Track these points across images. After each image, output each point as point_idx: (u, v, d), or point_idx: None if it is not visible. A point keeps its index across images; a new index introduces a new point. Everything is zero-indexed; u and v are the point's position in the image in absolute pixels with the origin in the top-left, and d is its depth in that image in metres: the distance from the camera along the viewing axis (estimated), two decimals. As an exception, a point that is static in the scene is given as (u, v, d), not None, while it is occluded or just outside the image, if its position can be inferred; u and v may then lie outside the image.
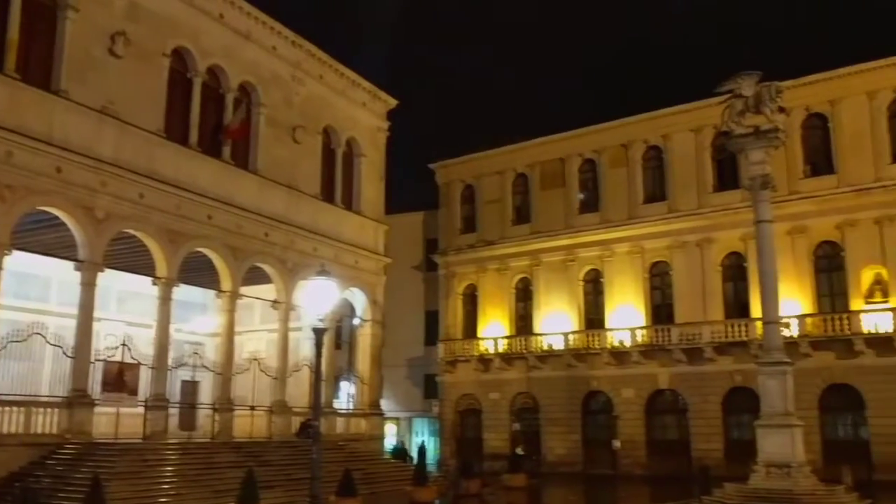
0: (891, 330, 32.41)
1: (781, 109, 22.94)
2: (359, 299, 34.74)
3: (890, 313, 32.77)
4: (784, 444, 20.49)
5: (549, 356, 40.83)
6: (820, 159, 36.07)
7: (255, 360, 29.65)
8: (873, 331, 32.83)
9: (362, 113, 35.80)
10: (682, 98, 38.16)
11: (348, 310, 34.95)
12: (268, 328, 31.86)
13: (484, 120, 73.24)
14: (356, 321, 35.03)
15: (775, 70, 23.63)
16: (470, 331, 44.53)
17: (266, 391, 29.80)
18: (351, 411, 34.77)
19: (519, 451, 34.96)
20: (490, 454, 40.29)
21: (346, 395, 38.23)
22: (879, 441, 32.49)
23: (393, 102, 37.21)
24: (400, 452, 38.23)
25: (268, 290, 30.34)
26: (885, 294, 33.30)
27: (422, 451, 26.76)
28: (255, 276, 29.65)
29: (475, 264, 44.68)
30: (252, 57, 29.85)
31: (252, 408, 28.55)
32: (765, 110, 22.14)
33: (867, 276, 33.87)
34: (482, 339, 43.44)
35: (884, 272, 33.52)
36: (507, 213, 44.49)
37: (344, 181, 34.46)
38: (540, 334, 41.56)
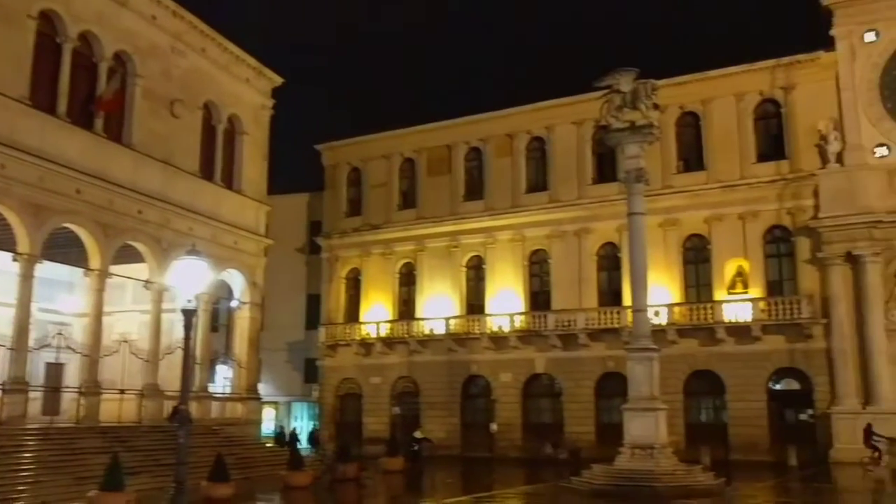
0: (750, 319, 34.44)
1: (656, 106, 23.99)
2: (237, 281, 33.93)
3: (749, 304, 34.81)
4: (648, 426, 21.55)
5: (430, 341, 41.19)
6: (692, 156, 37.79)
7: (126, 341, 28.45)
8: (734, 320, 34.78)
9: (246, 90, 34.86)
10: (566, 91, 39.07)
11: (226, 292, 34.09)
12: (140, 309, 30.69)
13: (374, 104, 72.86)
14: (234, 303, 34.21)
15: (653, 68, 24.62)
16: (352, 315, 44.33)
17: (137, 374, 28.73)
18: (227, 395, 33.98)
19: (418, 434, 35.09)
20: (370, 438, 40.35)
21: (222, 379, 37.31)
22: (736, 423, 34.57)
23: (279, 80, 36.41)
24: (291, 437, 37.74)
25: (141, 270, 29.17)
26: (746, 286, 35.33)
27: (294, 435, 26.46)
28: (128, 255, 28.45)
29: (359, 248, 44.47)
30: (129, 25, 28.49)
31: (121, 391, 27.44)
32: (641, 106, 23.08)
33: (730, 269, 35.81)
34: (364, 323, 43.34)
35: (745, 265, 35.53)
36: (393, 198, 44.45)
37: (225, 159, 33.51)
38: (422, 319, 41.85)
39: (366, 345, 42.78)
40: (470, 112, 42.71)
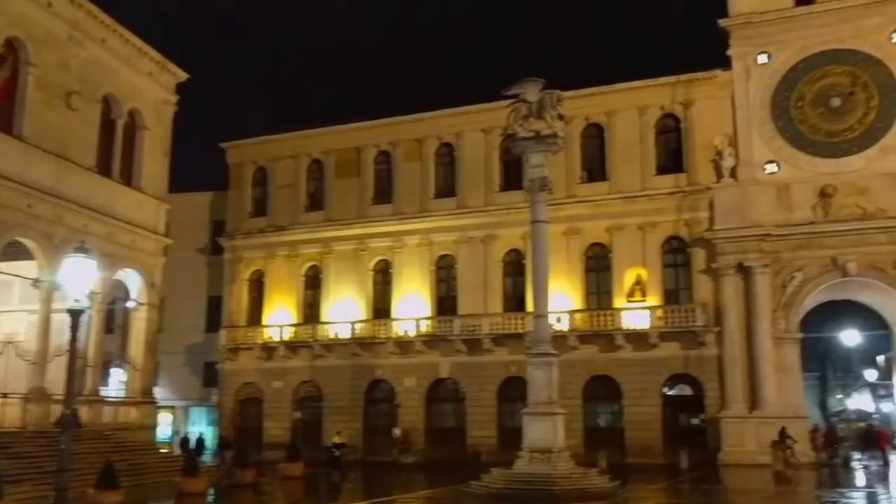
0: (647, 326, 35.54)
1: (561, 117, 24.45)
2: (134, 281, 32.74)
3: (647, 311, 35.92)
4: (547, 430, 21.90)
5: (335, 345, 40.79)
6: (595, 166, 38.74)
7: (11, 342, 27.02)
8: (632, 327, 35.82)
9: (148, 83, 33.72)
10: (475, 98, 39.42)
11: (122, 292, 32.86)
12: (29, 308, 29.16)
13: (283, 103, 71.78)
14: (130, 304, 32.98)
15: (560, 79, 25.03)
16: (255, 318, 43.45)
17: (24, 377, 27.30)
18: (121, 399, 32.70)
19: (337, 439, 34.64)
20: (270, 443, 39.59)
21: (116, 383, 35.90)
22: (633, 427, 35.59)
23: (183, 76, 35.38)
24: (197, 443, 36.58)
25: (30, 267, 27.76)
26: (644, 294, 36.44)
27: (185, 441, 25.69)
28: (16, 252, 27.02)
29: (264, 249, 43.65)
30: (21, 10, 27.12)
31: (4, 395, 26.04)
32: (546, 116, 23.48)
33: (630, 277, 36.87)
34: (267, 326, 42.56)
35: (644, 274, 36.65)
36: (300, 199, 43.85)
37: (124, 155, 32.29)
38: (327, 323, 41.41)
39: (268, 348, 41.99)
40: (380, 115, 42.61)
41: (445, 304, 40.25)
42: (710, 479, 29.00)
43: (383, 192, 42.40)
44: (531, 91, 23.81)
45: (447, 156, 41.57)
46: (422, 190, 41.28)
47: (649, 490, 25.78)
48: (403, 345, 39.53)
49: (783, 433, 31.52)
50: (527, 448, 22.18)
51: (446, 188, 41.24)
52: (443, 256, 40.63)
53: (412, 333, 39.41)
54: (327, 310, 41.94)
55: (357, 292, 41.53)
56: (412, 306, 40.22)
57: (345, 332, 40.67)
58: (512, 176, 38.87)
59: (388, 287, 41.39)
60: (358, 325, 40.67)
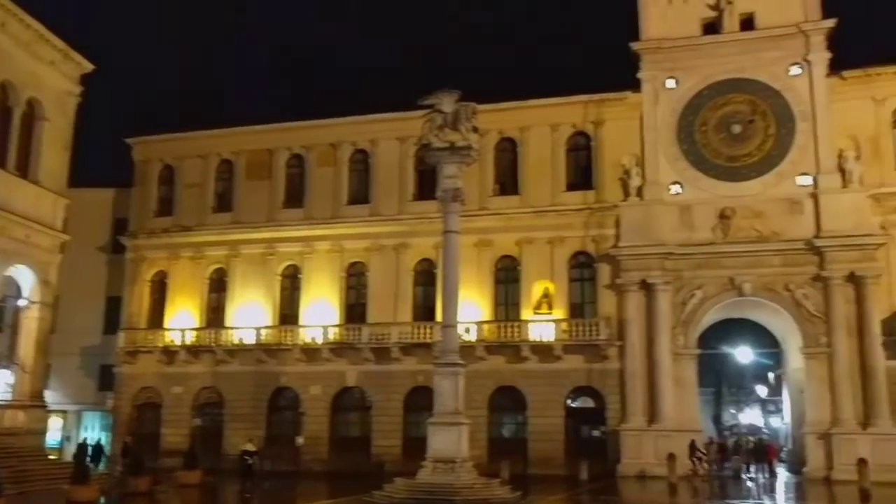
0: (552, 339, 36.14)
1: (476, 129, 24.65)
2: (27, 278, 31.18)
3: (553, 324, 36.54)
4: (451, 440, 21.95)
5: (239, 350, 39.85)
6: (508, 180, 39.23)
7: None
8: (538, 339, 36.37)
9: (50, 72, 32.29)
10: (392, 107, 39.33)
11: (14, 289, 31.24)
12: None
13: (194, 100, 69.94)
14: (22, 302, 31.39)
15: (476, 92, 25.23)
16: (156, 321, 42.03)
17: None
18: (7, 402, 31.01)
19: (249, 446, 33.83)
20: (167, 450, 38.32)
21: (3, 385, 34.02)
22: (536, 438, 36.08)
23: (88, 66, 34.03)
24: (95, 450, 34.95)
25: None
26: (551, 307, 37.07)
27: (83, 447, 24.63)
28: None
29: (168, 250, 42.32)
30: (-88, -12, 25.59)
31: None
32: (461, 128, 23.64)
33: (538, 290, 37.44)
34: (169, 329, 41.22)
35: (551, 287, 37.29)
36: (207, 200, 42.75)
37: (20, 146, 30.85)
38: (231, 328, 40.43)
39: (169, 352, 40.67)
40: (294, 118, 42.03)
41: (354, 311, 39.93)
42: (608, 490, 29.65)
43: (294, 196, 41.79)
44: (447, 102, 23.95)
45: (361, 162, 41.33)
46: (334, 195, 40.89)
47: (549, 501, 26.16)
48: (310, 352, 38.97)
49: (693, 446, 33.03)
50: (431, 458, 22.17)
51: (359, 195, 40.97)
52: (353, 263, 40.31)
53: (319, 341, 38.88)
54: (232, 314, 40.97)
55: (264, 297, 40.74)
56: (320, 313, 39.71)
57: (250, 338, 39.79)
58: (426, 185, 38.87)
59: (297, 293, 40.76)
60: (264, 331, 39.85)
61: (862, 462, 28.85)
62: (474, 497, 21.13)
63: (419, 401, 35.51)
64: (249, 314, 40.53)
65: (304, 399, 39.19)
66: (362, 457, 36.87)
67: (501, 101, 37.70)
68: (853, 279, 33.23)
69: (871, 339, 32.72)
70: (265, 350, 39.41)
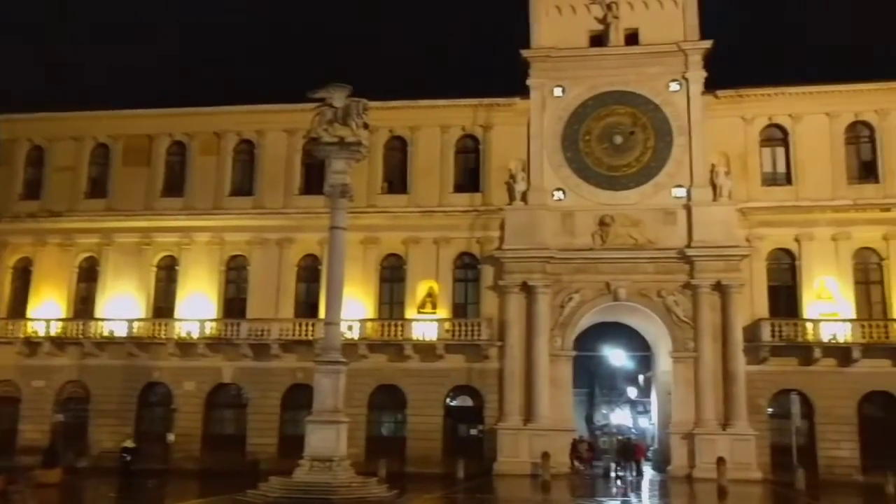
0: (435, 338, 36.38)
1: (366, 126, 24.50)
2: None
3: (436, 324, 36.79)
4: (329, 439, 21.74)
5: (108, 343, 38.06)
6: (397, 178, 39.20)
7: None
8: (421, 338, 36.52)
9: None
10: (281, 97, 38.47)
11: None
12: None
13: (76, 77, 65.95)
14: None
15: (367, 88, 25.07)
16: (18, 310, 39.61)
17: None
18: None
19: (129, 443, 31.87)
20: (25, 448, 36.15)
21: None
22: (414, 437, 36.22)
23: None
24: None
25: None
26: (435, 306, 37.30)
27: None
28: None
29: (33, 236, 39.93)
30: None
31: None
32: (351, 124, 23.45)
33: (422, 289, 37.59)
34: (31, 319, 38.89)
35: (436, 287, 37.51)
36: (80, 185, 40.63)
37: None
38: (101, 319, 38.57)
39: (31, 344, 38.36)
40: (177, 104, 40.53)
41: (234, 306, 38.89)
42: (484, 488, 30.12)
43: (174, 185, 40.29)
44: (338, 97, 23.71)
45: (247, 153, 40.30)
46: (217, 186, 39.69)
47: (426, 499, 26.32)
48: (185, 346, 37.66)
49: (574, 445, 34.63)
50: (308, 456, 21.88)
51: (243, 186, 39.94)
52: (234, 257, 39.26)
53: (195, 335, 37.65)
54: (103, 305, 39.10)
55: (137, 288, 39.09)
56: (197, 307, 38.46)
57: (121, 331, 38.08)
58: (313, 180, 38.31)
59: (173, 285, 39.33)
60: (136, 324, 38.25)
61: (721, 461, 30.50)
62: (351, 496, 21.00)
63: (298, 398, 35.00)
64: (122, 306, 38.80)
65: (177, 395, 37.85)
66: (237, 455, 35.97)
67: (393, 100, 37.65)
68: (719, 288, 35.09)
69: (733, 345, 34.66)
70: (137, 343, 37.83)
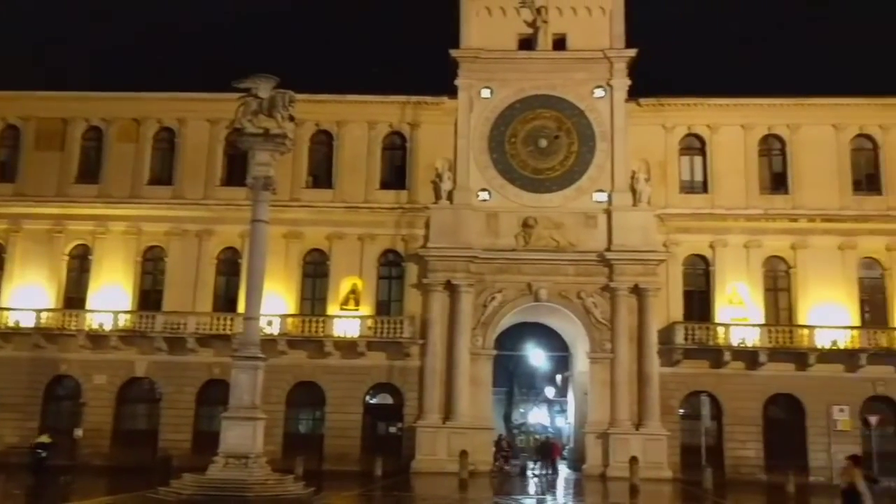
0: (357, 335, 36.18)
1: (292, 118, 24.19)
2: None
3: (358, 321, 36.59)
4: (246, 435, 21.38)
5: (14, 334, 36.50)
6: (322, 173, 38.80)
7: None
8: (342, 335, 36.26)
9: None
10: (203, 85, 37.59)
11: None
12: None
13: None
14: None
15: (294, 80, 24.71)
16: (-89, 298, 37.61)
17: None
18: None
19: (44, 438, 30.45)
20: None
21: None
22: (333, 434, 35.95)
23: None
24: None
25: None
26: (357, 303, 37.08)
27: None
28: None
29: (-65, 220, 37.96)
30: None
31: None
32: (277, 115, 23.11)
33: (346, 286, 37.29)
34: (-72, 308, 37.01)
35: (360, 283, 37.30)
36: (-14, 168, 38.84)
37: None
38: (7, 309, 36.94)
39: (-74, 333, 36.50)
40: (94, 88, 39.14)
41: (149, 298, 37.84)
42: (401, 486, 30.10)
43: (89, 172, 38.92)
44: (263, 87, 23.32)
45: (167, 141, 39.23)
46: (135, 174, 38.53)
47: (343, 497, 26.17)
48: (97, 339, 36.40)
49: (498, 444, 35.41)
50: (223, 453, 21.44)
51: (163, 175, 38.89)
52: (151, 248, 38.19)
53: (108, 327, 36.45)
54: (8, 294, 37.45)
55: (47, 278, 37.60)
56: (111, 298, 37.25)
57: (28, 321, 36.54)
58: (236, 171, 37.45)
59: (85, 275, 37.99)
60: (44, 314, 36.77)
61: (633, 460, 31.29)
62: (266, 493, 20.68)
63: (214, 394, 34.34)
64: (29, 295, 37.25)
65: (87, 389, 36.59)
66: (148, 451, 35.08)
67: (321, 93, 37.27)
68: (637, 291, 35.97)
69: (648, 347, 35.59)
70: (45, 335, 36.39)
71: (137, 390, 37.27)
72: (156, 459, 34.10)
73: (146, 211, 37.91)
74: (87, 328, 36.47)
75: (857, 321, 35.75)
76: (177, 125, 38.98)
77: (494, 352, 37.13)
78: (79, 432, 35.49)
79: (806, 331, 35.38)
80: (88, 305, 37.31)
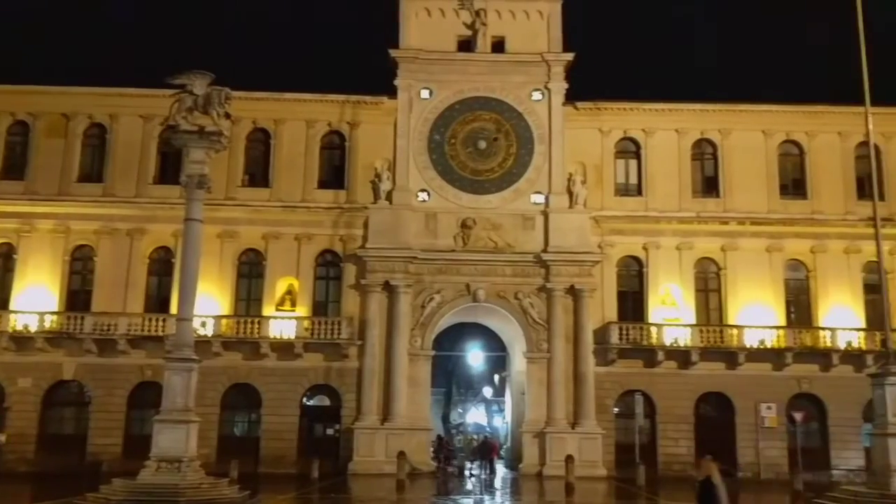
0: (293, 336, 35.77)
1: (228, 116, 23.76)
2: None
3: (295, 322, 36.18)
4: (179, 439, 20.91)
5: (-69, 336, 35.00)
6: (258, 172, 38.27)
7: None
8: (279, 336, 35.80)
9: None
10: (136, 80, 36.72)
11: None
12: None
13: None
14: None
15: (230, 77, 24.28)
16: None
17: None
18: None
19: (2, 438, 29.12)
20: None
21: None
22: (269, 437, 35.47)
23: None
24: None
25: None
26: (294, 304, 36.67)
27: None
28: None
29: None
30: None
31: None
32: (212, 112, 22.66)
33: (282, 286, 36.84)
34: None
35: (296, 284, 36.89)
36: None
37: None
38: (-76, 310, 35.44)
39: None
40: (21, 81, 37.81)
41: (78, 298, 36.74)
42: (339, 488, 29.90)
43: (14, 168, 37.59)
44: (199, 84, 22.82)
45: (97, 137, 38.16)
46: (63, 171, 37.36)
47: (279, 500, 25.84)
48: (21, 340, 35.15)
49: (441, 444, 36.29)
50: (155, 457, 20.92)
51: (93, 172, 37.81)
52: (80, 247, 37.08)
53: (33, 328, 35.23)
54: (-74, 295, 35.96)
55: (-32, 278, 36.19)
56: (37, 298, 36.03)
57: (-54, 323, 35.12)
58: (169, 169, 36.75)
59: (10, 275, 36.66)
60: (-36, 316, 35.37)
61: (569, 458, 31.67)
62: (200, 497, 20.26)
63: (145, 397, 33.59)
64: (-52, 296, 35.81)
65: (11, 392, 35.29)
66: (76, 456, 33.96)
67: (258, 90, 36.79)
68: (572, 292, 36.45)
69: (584, 346, 36.11)
70: (-35, 337, 35.00)
71: (65, 393, 36.16)
72: (84, 465, 33.06)
73: (75, 209, 36.78)
74: (10, 329, 35.20)
75: (783, 321, 36.95)
76: (108, 121, 37.95)
77: (433, 352, 37.14)
78: (2, 438, 34.21)
79: (735, 330, 36.39)
80: (12, 306, 36.02)
